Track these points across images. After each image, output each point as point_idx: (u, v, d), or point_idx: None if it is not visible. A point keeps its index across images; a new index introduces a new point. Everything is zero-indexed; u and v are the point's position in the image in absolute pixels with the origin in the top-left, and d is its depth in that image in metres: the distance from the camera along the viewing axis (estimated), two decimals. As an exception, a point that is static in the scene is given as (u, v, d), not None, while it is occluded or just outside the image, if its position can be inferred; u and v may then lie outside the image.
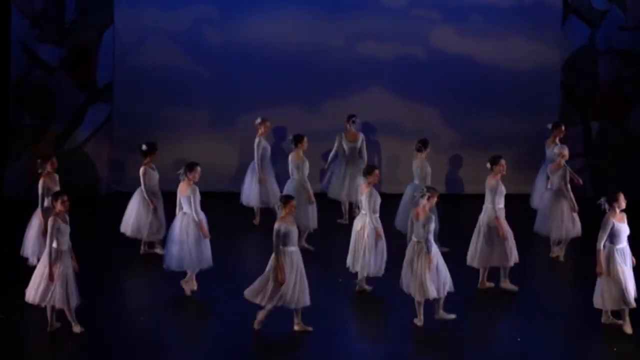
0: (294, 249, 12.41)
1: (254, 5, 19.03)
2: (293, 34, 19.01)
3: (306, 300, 12.44)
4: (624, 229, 12.63)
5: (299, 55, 19.10)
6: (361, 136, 17.60)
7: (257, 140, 16.99)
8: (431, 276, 12.71)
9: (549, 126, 17.00)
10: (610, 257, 12.60)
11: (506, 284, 14.13)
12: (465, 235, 14.46)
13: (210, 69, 19.24)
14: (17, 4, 18.72)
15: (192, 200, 13.91)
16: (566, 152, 15.49)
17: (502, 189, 14.08)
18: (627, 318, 12.69)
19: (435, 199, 12.90)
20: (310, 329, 12.49)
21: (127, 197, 18.39)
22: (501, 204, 14.08)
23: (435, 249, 12.84)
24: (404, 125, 19.16)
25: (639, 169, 18.93)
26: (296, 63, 19.13)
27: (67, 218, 12.41)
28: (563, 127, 16.94)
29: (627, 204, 12.72)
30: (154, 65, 19.04)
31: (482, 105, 19.24)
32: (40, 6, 18.78)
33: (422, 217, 12.78)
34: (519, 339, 12.74)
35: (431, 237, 12.77)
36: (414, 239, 12.87)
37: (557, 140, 16.64)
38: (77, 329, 12.44)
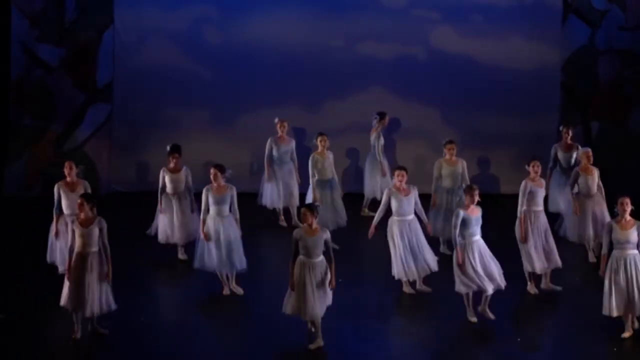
0: (304, 259, 12.17)
1: (254, 5, 19.03)
2: (293, 34, 19.01)
3: (306, 314, 12.21)
4: (624, 236, 12.39)
5: (299, 55, 19.10)
6: (375, 133, 17.62)
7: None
8: (471, 271, 12.83)
9: (561, 128, 16.87)
10: (609, 263, 12.50)
11: (547, 285, 14.21)
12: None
13: (210, 69, 19.23)
14: (17, 4, 18.72)
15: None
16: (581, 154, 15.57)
17: (530, 191, 14.04)
18: (629, 323, 12.61)
19: (470, 198, 12.88)
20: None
21: (127, 197, 18.47)
22: (534, 207, 14.05)
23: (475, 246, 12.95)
24: (404, 125, 19.16)
25: (639, 169, 18.92)
26: (296, 63, 19.12)
27: (93, 221, 12.28)
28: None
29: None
30: (154, 65, 19.04)
31: (482, 105, 19.23)
32: (40, 6, 18.77)
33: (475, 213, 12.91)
34: (519, 339, 12.75)
35: (455, 232, 12.89)
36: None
37: (569, 141, 16.61)
38: (77, 335, 12.45)
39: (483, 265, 12.92)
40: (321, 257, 12.17)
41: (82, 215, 12.33)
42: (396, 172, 13.92)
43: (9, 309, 13.27)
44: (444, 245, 15.45)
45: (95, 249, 12.33)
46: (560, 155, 16.58)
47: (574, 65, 19.26)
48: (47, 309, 13.29)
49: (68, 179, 13.86)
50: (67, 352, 12.29)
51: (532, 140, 18.78)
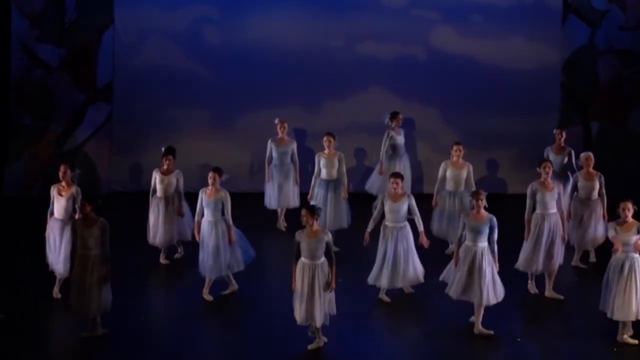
0: (304, 261, 12.11)
1: (254, 5, 19.03)
2: (293, 34, 19.01)
3: (302, 317, 12.13)
4: (626, 238, 12.22)
5: (299, 55, 19.09)
6: (386, 132, 17.54)
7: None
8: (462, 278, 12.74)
9: (555, 131, 16.63)
10: (611, 263, 12.40)
11: (549, 293, 14.07)
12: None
13: (210, 69, 19.23)
14: (17, 4, 18.72)
15: None
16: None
17: (537, 194, 13.92)
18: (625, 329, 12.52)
19: (475, 203, 12.71)
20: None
21: (128, 197, 18.46)
22: (541, 210, 13.89)
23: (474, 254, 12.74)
24: (403, 125, 19.13)
25: (639, 169, 18.92)
26: (296, 63, 19.12)
27: (95, 222, 12.21)
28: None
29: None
30: (154, 65, 19.04)
31: (482, 105, 19.22)
32: (40, 6, 18.77)
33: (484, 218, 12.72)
34: (518, 339, 12.75)
35: (460, 234, 12.88)
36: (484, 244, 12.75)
37: (562, 143, 16.41)
38: (83, 334, 12.42)
39: (470, 275, 12.67)
40: (323, 259, 12.12)
41: (83, 217, 12.29)
42: (391, 179, 13.70)
43: (9, 309, 13.27)
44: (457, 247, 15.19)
45: (96, 251, 12.27)
46: (552, 157, 16.32)
47: (574, 65, 19.25)
48: (47, 309, 13.29)
49: (62, 182, 13.74)
50: (67, 352, 12.27)
51: (532, 140, 18.76)
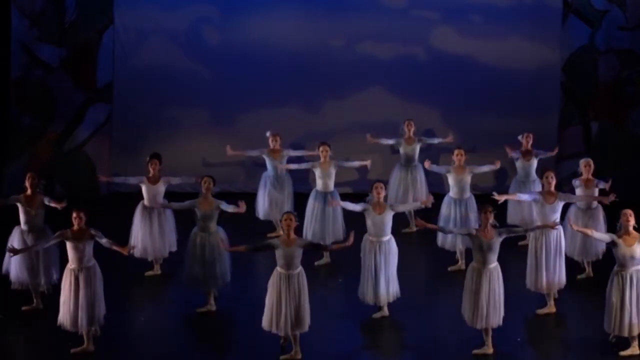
0: (278, 270, 11.76)
1: (254, 5, 19.04)
2: (293, 34, 19.02)
3: (267, 327, 11.85)
4: (629, 252, 11.64)
5: (298, 55, 19.10)
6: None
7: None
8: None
9: (520, 137, 16.29)
10: (613, 281, 11.84)
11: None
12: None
13: (210, 69, 19.25)
14: (17, 4, 18.74)
15: None
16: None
17: (543, 206, 13.24)
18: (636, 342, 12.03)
19: (483, 219, 11.88)
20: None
21: (127, 197, 18.43)
22: (540, 223, 13.14)
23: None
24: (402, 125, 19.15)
25: (639, 169, 18.92)
26: (296, 63, 19.12)
27: (85, 233, 11.76)
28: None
29: (628, 205, 12.24)
30: (154, 65, 19.06)
31: (482, 105, 19.23)
32: (40, 6, 18.79)
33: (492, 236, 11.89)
34: (519, 339, 12.73)
35: None
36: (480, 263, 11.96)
37: (529, 147, 16.12)
38: (91, 347, 12.23)
39: (485, 300, 11.97)
40: (299, 269, 11.76)
41: (76, 228, 11.81)
42: (374, 185, 12.99)
43: (8, 309, 13.28)
44: (462, 260, 14.90)
45: (89, 263, 11.87)
46: (518, 164, 16.15)
47: (574, 65, 19.25)
48: (46, 309, 13.28)
49: (28, 191, 13.32)
50: (66, 352, 12.26)
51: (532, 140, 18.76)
